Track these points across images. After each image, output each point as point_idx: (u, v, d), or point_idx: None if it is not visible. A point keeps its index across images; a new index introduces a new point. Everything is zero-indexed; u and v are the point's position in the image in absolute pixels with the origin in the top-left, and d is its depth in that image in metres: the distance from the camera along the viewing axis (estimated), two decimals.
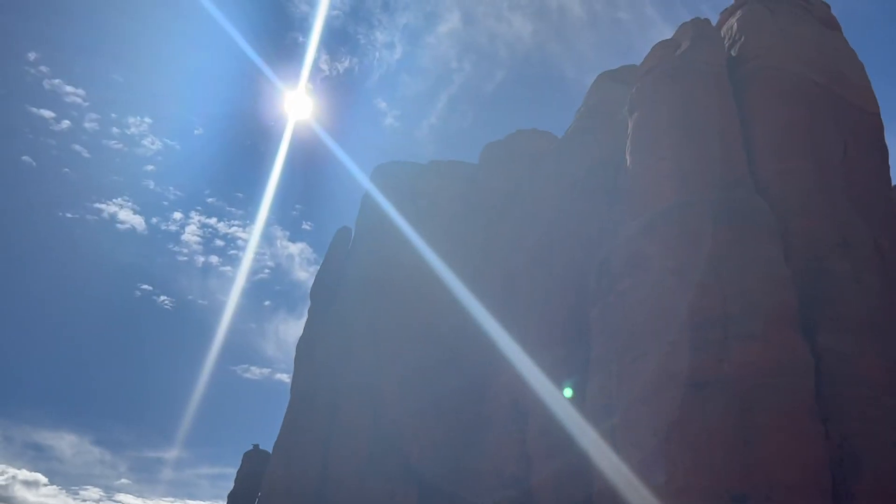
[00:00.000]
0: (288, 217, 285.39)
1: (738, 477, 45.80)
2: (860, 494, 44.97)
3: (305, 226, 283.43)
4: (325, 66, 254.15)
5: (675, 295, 53.55)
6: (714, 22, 72.62)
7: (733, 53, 67.31)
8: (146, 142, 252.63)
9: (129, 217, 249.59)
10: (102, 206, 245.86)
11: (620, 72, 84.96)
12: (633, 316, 56.26)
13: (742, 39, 67.08)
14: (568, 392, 62.52)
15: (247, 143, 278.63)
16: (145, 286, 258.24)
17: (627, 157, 66.15)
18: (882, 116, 65.53)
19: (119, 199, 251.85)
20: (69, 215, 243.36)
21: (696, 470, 46.95)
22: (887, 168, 63.96)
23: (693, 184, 57.95)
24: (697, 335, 51.00)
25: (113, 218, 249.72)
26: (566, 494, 64.97)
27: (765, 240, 53.47)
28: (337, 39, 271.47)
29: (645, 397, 52.27)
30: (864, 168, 60.37)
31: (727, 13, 73.03)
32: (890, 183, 64.77)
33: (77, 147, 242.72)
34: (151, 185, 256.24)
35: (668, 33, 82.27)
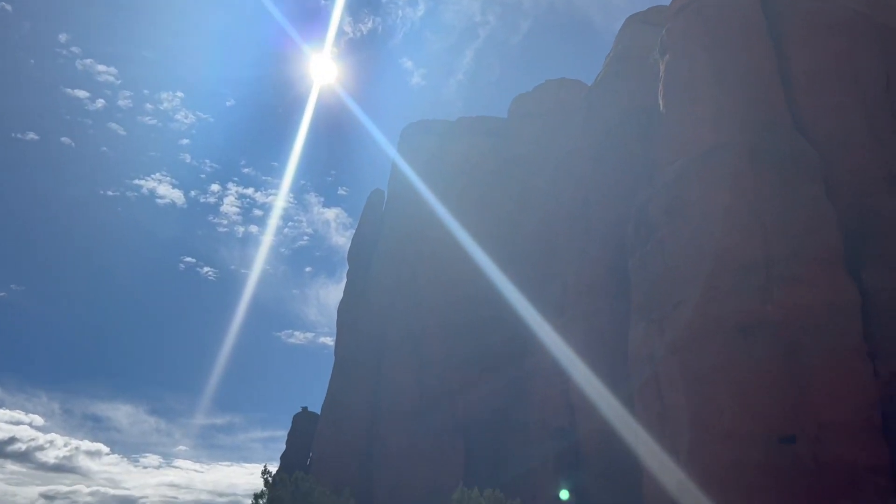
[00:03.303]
0: (324, 183, 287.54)
1: (787, 419, 45.64)
2: None
3: (341, 191, 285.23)
4: (348, 29, 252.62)
5: (716, 239, 52.82)
6: None
7: None
8: (180, 116, 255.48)
9: (168, 192, 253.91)
10: (141, 182, 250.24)
11: (650, 14, 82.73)
12: (673, 263, 55.74)
13: None
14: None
15: (279, 111, 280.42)
16: (189, 259, 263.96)
17: (661, 102, 64.80)
18: None
19: (157, 174, 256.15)
20: (110, 193, 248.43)
21: (743, 414, 46.84)
22: None
23: (730, 125, 56.62)
24: (740, 279, 50.38)
25: (152, 193, 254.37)
26: (612, 443, 65.51)
27: (806, 179, 52.27)
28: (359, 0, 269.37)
29: (688, 344, 52.04)
30: None
31: None
32: None
33: (113, 125, 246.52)
34: (188, 158, 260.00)
35: None
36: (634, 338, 58.82)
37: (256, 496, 21.08)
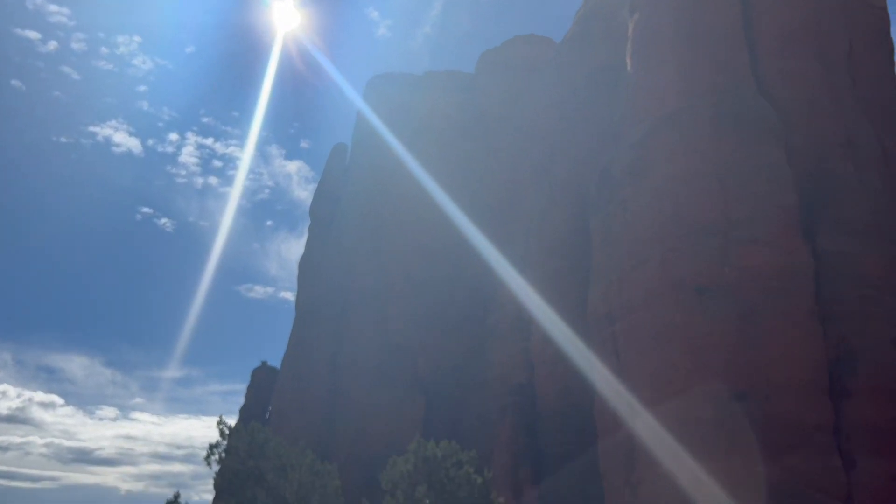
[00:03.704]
0: (286, 135, 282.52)
1: (739, 378, 46.81)
2: (857, 391, 46.05)
3: (304, 143, 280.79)
4: None
5: (678, 202, 53.37)
6: None
7: None
8: (137, 61, 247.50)
9: (124, 140, 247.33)
10: (96, 129, 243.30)
11: None
12: (635, 224, 56.24)
13: None
14: None
15: (240, 60, 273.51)
16: (146, 209, 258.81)
17: (628, 62, 64.60)
18: (889, 10, 63.55)
19: (113, 121, 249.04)
20: (63, 140, 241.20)
21: (697, 372, 47.92)
22: (892, 64, 62.51)
23: (695, 87, 56.78)
24: (699, 241, 51.11)
25: (108, 141, 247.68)
26: (569, 399, 66.80)
27: (768, 143, 52.84)
28: None
29: (645, 303, 52.87)
30: (870, 65, 58.99)
31: None
32: (895, 80, 63.45)
33: (66, 69, 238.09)
34: (145, 106, 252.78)
35: None
36: (594, 296, 59.54)
37: (212, 446, 21.00)
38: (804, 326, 47.13)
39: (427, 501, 23.47)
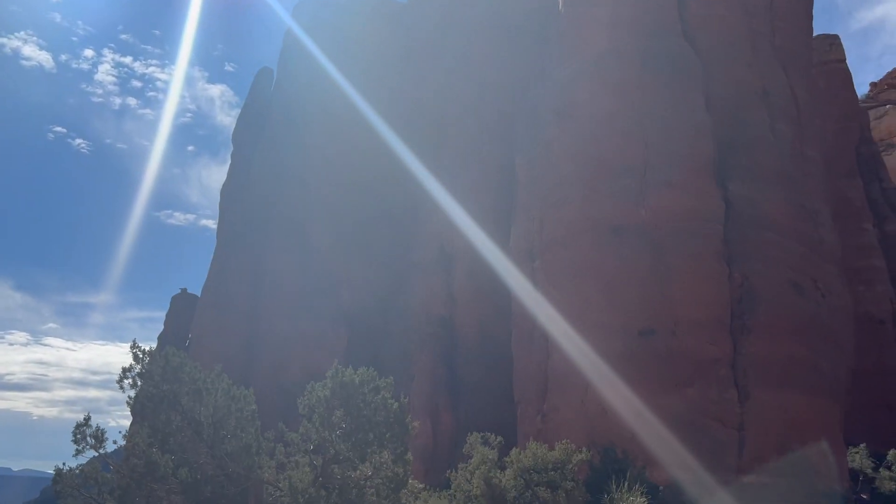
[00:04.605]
0: (209, 57, 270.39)
1: (648, 314, 49.08)
2: (756, 328, 48.95)
3: (228, 67, 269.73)
4: None
5: (600, 143, 54.48)
6: None
7: None
8: None
9: (34, 53, 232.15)
10: (3, 40, 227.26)
11: None
12: (559, 164, 57.25)
13: None
14: None
15: None
16: (58, 128, 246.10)
17: (560, 0, 64.52)
18: None
19: (22, 32, 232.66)
20: None
21: (609, 308, 49.98)
22: (810, 15, 64.63)
23: (625, 30, 57.32)
24: (618, 182, 52.60)
25: (17, 54, 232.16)
26: (488, 332, 68.78)
27: (689, 88, 54.18)
28: None
29: (565, 241, 54.43)
30: (789, 15, 60.79)
31: None
32: (811, 32, 65.63)
33: None
34: (58, 18, 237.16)
35: None
36: (516, 233, 60.79)
37: (125, 370, 20.94)
38: (710, 267, 49.56)
39: (343, 426, 24.09)
